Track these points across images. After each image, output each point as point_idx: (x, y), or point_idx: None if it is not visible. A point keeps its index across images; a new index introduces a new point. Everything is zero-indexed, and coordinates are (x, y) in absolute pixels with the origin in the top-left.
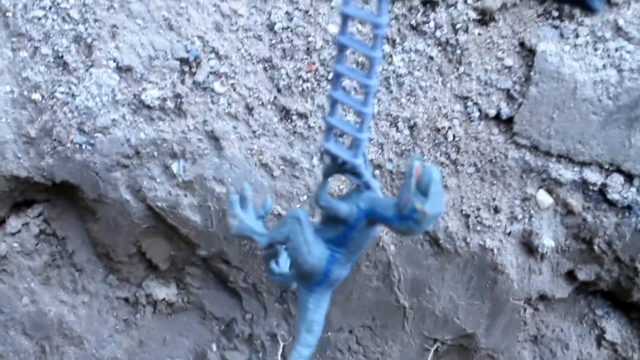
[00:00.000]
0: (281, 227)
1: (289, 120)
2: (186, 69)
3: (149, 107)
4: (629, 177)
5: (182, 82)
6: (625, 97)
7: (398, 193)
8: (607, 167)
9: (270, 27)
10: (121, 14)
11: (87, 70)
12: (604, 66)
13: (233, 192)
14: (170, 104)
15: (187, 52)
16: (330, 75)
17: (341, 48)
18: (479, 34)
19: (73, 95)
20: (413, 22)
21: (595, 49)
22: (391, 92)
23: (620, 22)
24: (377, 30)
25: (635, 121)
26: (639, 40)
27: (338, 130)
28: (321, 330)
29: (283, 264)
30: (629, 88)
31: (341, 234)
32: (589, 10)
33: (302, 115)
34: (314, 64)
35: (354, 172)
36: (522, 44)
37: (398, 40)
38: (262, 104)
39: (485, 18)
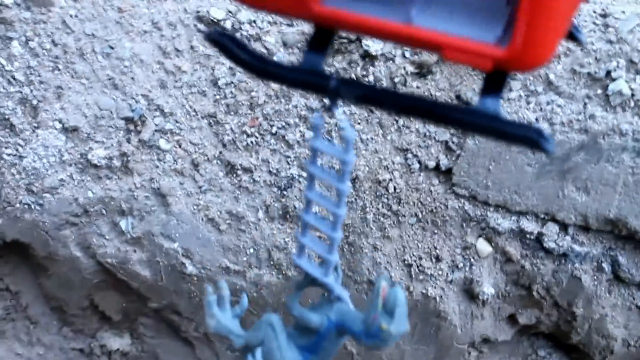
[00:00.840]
0: (256, 331)
1: (234, 175)
2: (131, 127)
3: (95, 166)
4: (563, 226)
5: (128, 140)
6: (557, 149)
7: (366, 310)
8: (542, 216)
9: (214, 83)
10: (66, 75)
11: (33, 131)
12: (537, 119)
13: (211, 292)
14: (116, 163)
15: (132, 111)
16: (273, 131)
17: (311, 177)
18: (417, 87)
19: (20, 157)
20: (353, 75)
21: (528, 103)
22: (333, 145)
23: (552, 76)
24: (345, 166)
25: (568, 173)
26: (569, 94)
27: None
28: None
29: (259, 357)
30: (560, 141)
31: (313, 342)
32: (542, 151)
33: (247, 170)
34: (257, 118)
35: (325, 287)
36: (458, 97)
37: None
38: (208, 159)
39: (422, 71)
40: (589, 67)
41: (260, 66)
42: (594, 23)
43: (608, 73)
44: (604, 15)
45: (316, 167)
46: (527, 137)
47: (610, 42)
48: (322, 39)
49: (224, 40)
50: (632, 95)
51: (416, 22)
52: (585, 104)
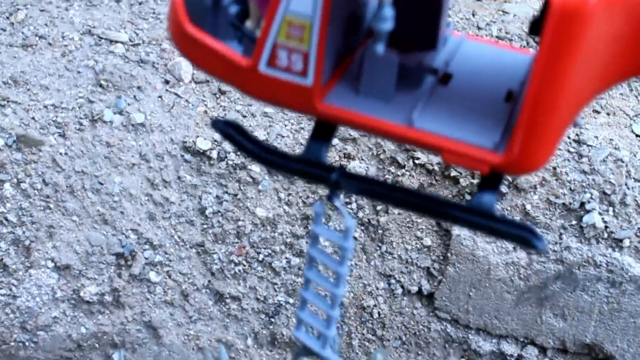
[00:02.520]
0: None
1: (223, 303)
2: (122, 262)
3: (88, 303)
4: (542, 350)
5: (119, 275)
6: (535, 278)
7: None
8: (522, 340)
9: (202, 212)
10: (57, 214)
11: (26, 271)
12: (515, 249)
13: (210, 357)
14: (108, 298)
15: (123, 246)
16: (260, 259)
17: (310, 259)
18: (399, 214)
19: (14, 297)
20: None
21: None
22: (319, 271)
23: (528, 207)
24: (344, 252)
25: (545, 300)
26: (545, 224)
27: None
28: None
29: None
30: (537, 270)
31: None
32: (535, 249)
33: (235, 298)
34: (244, 247)
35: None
36: (438, 224)
37: (323, 220)
38: (197, 288)
39: None
40: (564, 198)
41: (263, 155)
42: (569, 151)
43: (582, 204)
44: (578, 142)
45: (316, 250)
46: (520, 236)
47: (584, 172)
48: (325, 130)
49: (228, 130)
50: (606, 227)
51: (417, 124)
52: (561, 234)
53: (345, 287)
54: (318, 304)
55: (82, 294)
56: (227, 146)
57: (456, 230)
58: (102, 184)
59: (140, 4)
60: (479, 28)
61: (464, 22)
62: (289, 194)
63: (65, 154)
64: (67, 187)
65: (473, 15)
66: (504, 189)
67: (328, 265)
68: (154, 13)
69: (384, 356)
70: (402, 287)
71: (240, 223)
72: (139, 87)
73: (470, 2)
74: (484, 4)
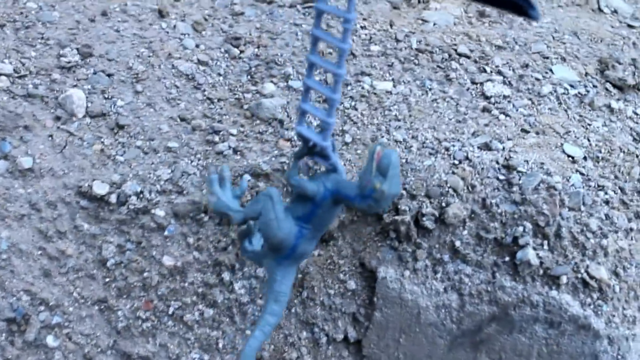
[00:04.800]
0: (254, 204)
1: None
2: (14, 328)
3: None
4: None
5: (12, 343)
6: (468, 321)
7: (360, 175)
8: None
9: (103, 264)
10: None
11: None
12: (445, 289)
13: (213, 171)
14: None
15: (14, 310)
16: (170, 313)
17: (314, 41)
18: (319, 255)
19: None
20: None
21: (435, 272)
22: (235, 322)
23: (457, 243)
24: (346, 24)
25: (480, 344)
26: (476, 262)
27: (309, 115)
28: (287, 301)
29: (256, 243)
30: (471, 312)
31: (309, 211)
32: (529, 17)
33: (144, 358)
34: (152, 301)
35: (322, 155)
36: (362, 265)
37: (238, 266)
38: (102, 350)
39: (324, 237)
40: (495, 232)
41: None
42: (497, 179)
43: (515, 239)
44: (508, 168)
45: (319, 30)
46: (516, 3)
47: (515, 203)
48: None
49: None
50: (541, 263)
51: None
52: (494, 272)
53: (345, 69)
54: (320, 89)
55: None
56: (128, 189)
57: (381, 272)
58: None
59: (27, 27)
60: (397, 40)
61: (382, 34)
62: (199, 239)
63: None
64: None
65: (391, 26)
66: (429, 224)
67: (330, 42)
68: (42, 38)
69: (383, 146)
70: (327, 335)
71: (146, 274)
72: (25, 127)
73: (387, 11)
74: (402, 12)
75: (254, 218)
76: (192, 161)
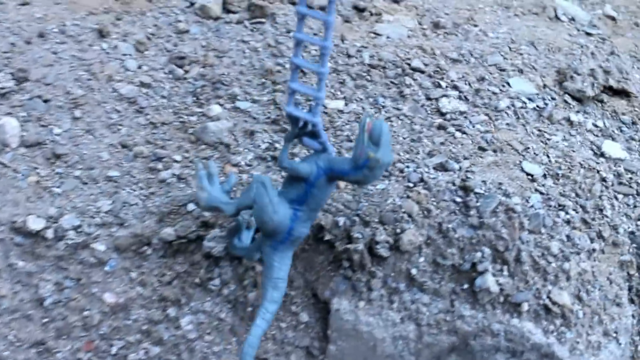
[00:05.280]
0: (247, 192)
1: None
2: None
3: None
4: None
5: None
6: (427, 352)
7: (353, 148)
8: None
9: (40, 303)
10: None
11: None
12: (402, 320)
13: (201, 167)
14: None
15: None
16: (113, 353)
17: (301, 17)
18: None
19: None
20: (197, 279)
21: (391, 302)
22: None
23: (413, 271)
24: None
25: None
26: (433, 290)
27: (298, 94)
28: (285, 287)
29: (245, 239)
30: (429, 343)
31: (303, 192)
32: None
33: None
34: (93, 341)
35: (313, 134)
36: (315, 296)
37: (184, 300)
38: None
39: None
40: (453, 259)
41: None
42: (454, 201)
43: (473, 265)
44: (464, 189)
45: (303, 7)
46: None
47: (472, 227)
48: None
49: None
50: (501, 290)
51: None
52: (452, 301)
53: (332, 41)
54: (307, 66)
55: None
56: (65, 223)
57: (335, 303)
58: None
59: None
60: (349, 56)
61: (333, 49)
62: (142, 273)
63: None
64: None
65: (342, 40)
66: (384, 252)
67: (316, 17)
68: None
69: (372, 117)
70: None
71: (86, 313)
72: None
73: (338, 24)
74: (354, 26)
75: (248, 207)
76: (134, 191)
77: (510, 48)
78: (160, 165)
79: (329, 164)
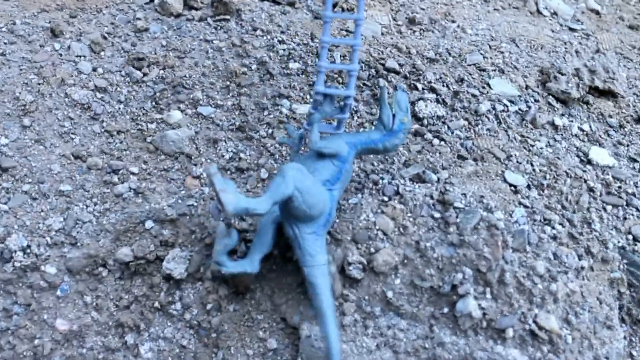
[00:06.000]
0: (278, 184)
1: None
2: None
3: None
4: None
5: None
6: None
7: (379, 118)
8: None
9: None
10: None
11: None
12: (378, 347)
13: (215, 169)
14: None
15: None
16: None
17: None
18: (235, 310)
19: None
20: (157, 303)
21: (366, 327)
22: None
23: (389, 294)
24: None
25: None
26: (411, 315)
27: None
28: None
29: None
30: None
31: (337, 171)
32: None
33: None
34: None
35: (342, 108)
36: (284, 320)
37: (143, 326)
38: None
39: (239, 289)
40: (432, 280)
41: None
42: (432, 217)
43: (454, 287)
44: (443, 204)
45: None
46: None
47: (452, 245)
48: None
49: None
50: (484, 315)
51: None
52: (431, 326)
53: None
54: (339, 41)
55: None
56: (12, 244)
57: (305, 329)
58: None
59: None
60: (319, 56)
61: (302, 49)
62: (97, 297)
63: None
64: None
65: (312, 39)
66: (357, 274)
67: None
68: None
69: (387, 88)
70: None
71: (37, 341)
72: None
73: (308, 22)
74: None
75: (285, 197)
76: (87, 206)
77: (490, 46)
78: (115, 178)
79: (355, 138)
